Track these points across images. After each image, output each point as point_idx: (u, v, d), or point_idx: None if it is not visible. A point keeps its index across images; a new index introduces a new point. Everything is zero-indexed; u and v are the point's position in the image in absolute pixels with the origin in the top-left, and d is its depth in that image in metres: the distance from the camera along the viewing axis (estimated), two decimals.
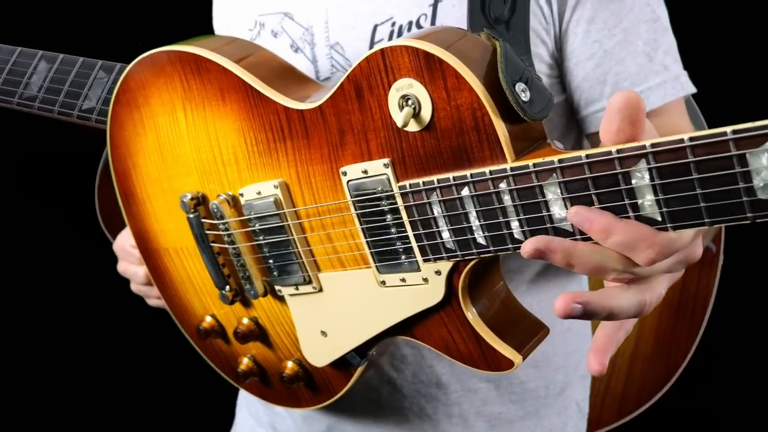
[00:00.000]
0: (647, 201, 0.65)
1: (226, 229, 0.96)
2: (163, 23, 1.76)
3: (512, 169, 0.71)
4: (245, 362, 1.07)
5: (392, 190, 0.80)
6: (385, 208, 0.81)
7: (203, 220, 0.98)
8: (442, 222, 0.78)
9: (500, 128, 0.72)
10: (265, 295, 0.98)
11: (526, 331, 0.85)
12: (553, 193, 0.70)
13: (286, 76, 0.93)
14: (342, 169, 0.83)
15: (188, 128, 0.97)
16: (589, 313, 0.66)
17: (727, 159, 0.60)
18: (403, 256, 0.83)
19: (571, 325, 1.13)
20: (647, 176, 0.64)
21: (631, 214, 0.66)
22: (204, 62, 0.92)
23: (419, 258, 0.82)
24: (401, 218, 0.81)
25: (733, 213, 0.62)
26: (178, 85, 0.96)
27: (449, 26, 0.80)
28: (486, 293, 0.85)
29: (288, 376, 1.01)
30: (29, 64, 1.04)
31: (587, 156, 0.67)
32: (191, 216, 0.98)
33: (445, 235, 0.78)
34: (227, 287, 1.01)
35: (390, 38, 0.98)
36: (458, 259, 0.79)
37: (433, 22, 0.96)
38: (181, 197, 0.99)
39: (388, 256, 0.84)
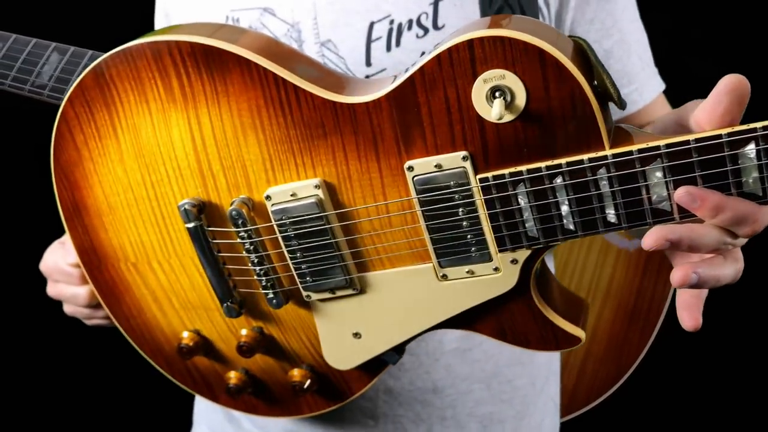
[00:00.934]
0: (751, 179, 0.71)
1: (249, 237, 0.87)
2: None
3: (614, 156, 0.74)
4: (235, 376, 0.99)
5: (470, 184, 0.79)
6: (459, 203, 0.80)
7: (209, 229, 0.89)
8: (527, 212, 0.78)
9: (599, 117, 0.74)
10: (287, 303, 0.91)
11: (576, 307, 0.89)
12: (656, 177, 0.73)
13: (311, 66, 0.86)
14: (408, 164, 0.80)
15: (190, 129, 0.86)
16: (702, 282, 0.71)
17: None
18: (473, 249, 0.82)
19: None
20: (755, 156, 0.70)
21: (734, 191, 0.72)
22: (218, 53, 0.82)
23: (494, 249, 0.81)
24: (476, 212, 0.80)
25: None
26: (173, 81, 0.84)
27: (530, 17, 0.80)
28: (542, 278, 0.87)
29: (300, 384, 0.96)
30: (42, 55, 1.02)
31: (696, 140, 0.71)
32: (193, 225, 0.88)
33: (529, 224, 0.79)
34: (231, 300, 0.92)
35: (389, 36, 0.95)
36: (540, 246, 0.80)
37: (434, 21, 0.94)
38: (181, 205, 0.88)
39: (455, 250, 0.82)
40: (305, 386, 0.95)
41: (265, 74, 0.82)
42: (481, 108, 0.76)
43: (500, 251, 0.81)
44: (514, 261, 0.82)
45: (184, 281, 0.95)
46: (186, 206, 0.88)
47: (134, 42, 0.85)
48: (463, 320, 0.88)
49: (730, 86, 0.70)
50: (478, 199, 0.79)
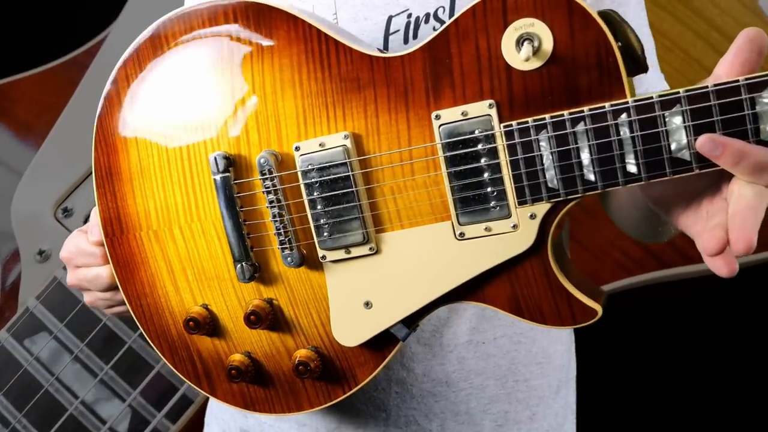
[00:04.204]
0: None
1: (273, 186, 0.89)
2: None
3: (635, 101, 0.76)
4: (238, 359, 0.96)
5: (493, 130, 0.81)
6: (482, 150, 0.82)
7: (235, 182, 0.91)
8: (548, 160, 0.80)
9: (622, 65, 0.78)
10: (302, 263, 0.90)
11: (593, 288, 0.87)
12: (675, 123, 0.75)
13: (350, 35, 0.92)
14: (435, 113, 0.83)
15: (231, 87, 0.91)
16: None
17: None
18: (493, 202, 0.82)
19: None
20: None
21: (752, 139, 0.74)
22: (268, 11, 0.89)
23: (513, 201, 0.82)
24: (498, 160, 0.81)
25: None
26: (223, 41, 0.91)
27: None
28: (558, 248, 0.86)
29: (305, 363, 0.92)
30: None
31: (714, 85, 0.74)
32: (221, 176, 0.90)
33: (549, 173, 0.80)
34: (248, 261, 0.92)
35: (407, 29, 1.00)
36: (559, 199, 0.80)
37: (451, 14, 1.00)
38: (211, 156, 0.91)
39: (475, 203, 0.83)
40: (310, 366, 0.92)
41: (310, 30, 0.88)
42: (509, 56, 0.81)
43: (519, 204, 0.82)
44: (533, 216, 0.82)
45: (201, 248, 0.95)
46: (217, 157, 0.90)
47: (192, 5, 0.93)
48: (478, 290, 0.86)
49: (749, 37, 0.74)
50: (501, 144, 0.81)
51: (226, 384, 0.99)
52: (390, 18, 1.02)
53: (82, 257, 1.04)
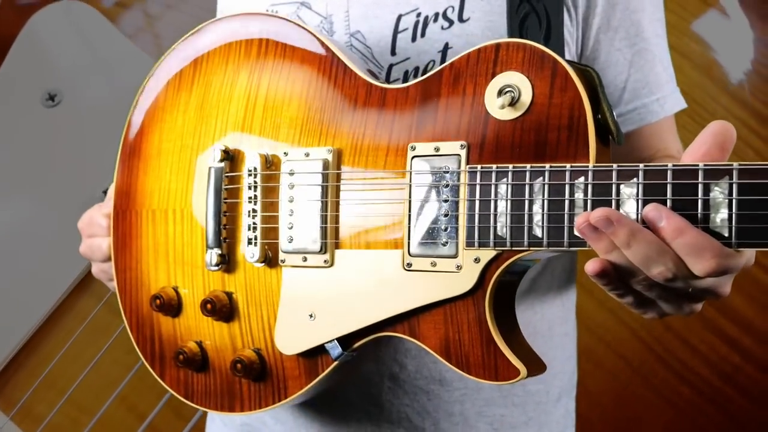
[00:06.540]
0: (720, 216, 0.71)
1: (255, 183, 0.94)
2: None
3: (595, 167, 0.77)
4: (189, 346, 0.99)
5: (460, 169, 0.83)
6: (445, 186, 0.84)
7: (226, 175, 0.96)
8: (502, 206, 0.80)
9: (592, 131, 0.79)
10: (262, 261, 0.94)
11: (530, 358, 0.85)
12: (629, 194, 0.75)
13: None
14: (411, 144, 0.86)
15: (248, 89, 0.98)
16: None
17: None
18: (444, 239, 0.83)
19: (567, 330, 1.15)
20: (726, 191, 0.71)
21: (699, 226, 0.72)
22: (290, 27, 0.97)
23: (462, 241, 0.83)
24: (458, 198, 0.83)
25: None
26: (254, 46, 0.99)
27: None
28: (503, 306, 0.85)
29: (243, 363, 0.93)
30: None
31: (674, 165, 0.73)
32: (215, 166, 0.96)
33: (500, 220, 0.80)
34: (218, 250, 0.96)
35: (415, 28, 1.02)
36: (504, 248, 0.81)
37: (460, 14, 1.01)
38: (214, 146, 0.97)
39: (428, 235, 0.84)
40: (247, 366, 0.93)
41: (327, 52, 0.94)
42: (490, 104, 0.83)
43: (467, 246, 0.82)
44: (477, 260, 0.82)
45: (186, 233, 1.00)
46: (216, 148, 0.96)
47: (242, 12, 1.02)
48: (414, 324, 0.86)
49: (717, 129, 0.73)
50: (462, 183, 0.83)
51: (174, 370, 1.01)
52: (399, 17, 1.03)
53: (92, 227, 1.12)
